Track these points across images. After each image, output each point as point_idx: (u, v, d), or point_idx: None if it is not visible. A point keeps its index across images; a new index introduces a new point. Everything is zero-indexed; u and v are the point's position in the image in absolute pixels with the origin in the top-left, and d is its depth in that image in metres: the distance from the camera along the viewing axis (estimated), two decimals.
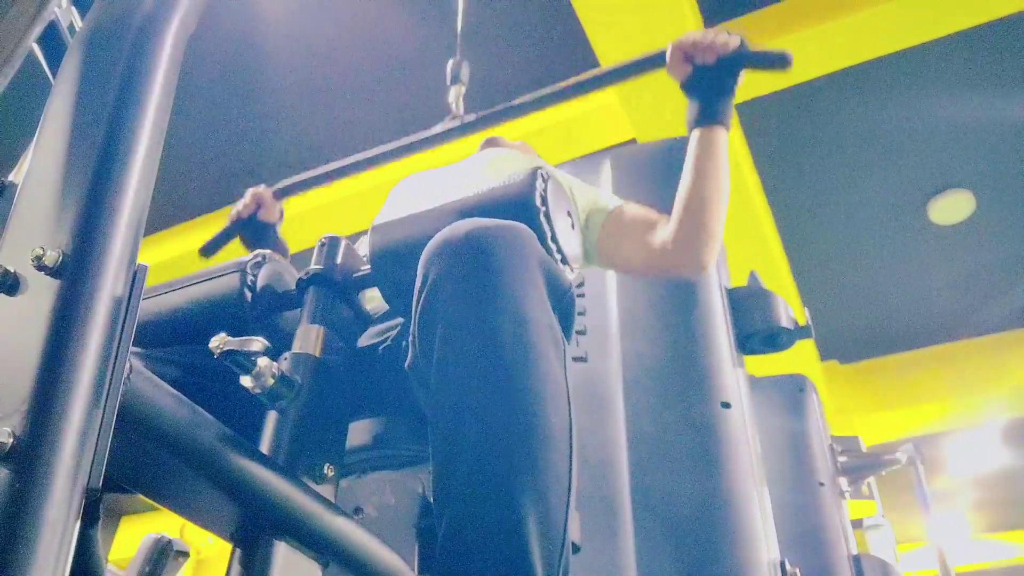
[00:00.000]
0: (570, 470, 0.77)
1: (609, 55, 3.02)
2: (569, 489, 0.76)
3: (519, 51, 3.36)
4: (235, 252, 1.37)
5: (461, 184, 1.28)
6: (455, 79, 1.89)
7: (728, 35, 1.36)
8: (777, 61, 1.36)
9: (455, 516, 0.72)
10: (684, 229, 1.32)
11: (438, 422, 0.78)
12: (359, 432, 1.03)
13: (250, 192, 1.68)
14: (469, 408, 0.75)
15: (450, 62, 1.89)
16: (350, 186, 3.87)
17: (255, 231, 1.69)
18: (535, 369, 0.76)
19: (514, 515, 0.70)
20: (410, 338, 0.84)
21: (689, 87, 1.39)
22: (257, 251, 1.06)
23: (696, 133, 1.37)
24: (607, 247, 1.41)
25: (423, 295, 0.81)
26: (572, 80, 1.56)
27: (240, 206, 1.67)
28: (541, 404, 0.76)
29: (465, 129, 1.68)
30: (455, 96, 1.84)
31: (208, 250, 1.70)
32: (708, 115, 1.36)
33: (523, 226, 0.85)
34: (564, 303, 0.86)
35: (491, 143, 1.78)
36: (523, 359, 0.76)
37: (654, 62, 1.46)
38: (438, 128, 1.70)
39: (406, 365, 0.86)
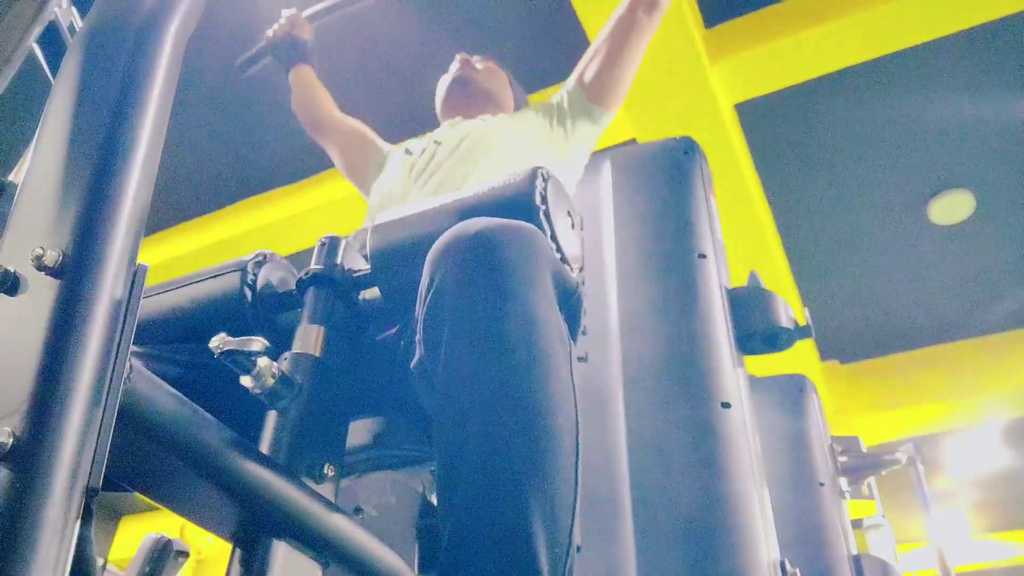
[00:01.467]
0: (576, 471, 0.76)
1: None
2: (575, 490, 0.75)
3: (519, 51, 3.36)
4: (235, 252, 1.37)
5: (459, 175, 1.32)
6: None
7: None
8: None
9: (460, 516, 0.72)
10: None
11: (444, 421, 0.78)
12: (359, 432, 1.03)
13: (286, 14, 1.93)
14: (476, 407, 0.75)
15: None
16: (350, 186, 3.86)
17: (289, 47, 1.95)
18: (544, 369, 0.76)
19: (521, 516, 0.70)
20: (417, 337, 0.84)
21: None
22: (257, 251, 1.06)
23: None
24: (598, 86, 1.62)
25: (431, 294, 0.81)
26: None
27: (275, 26, 1.92)
28: (549, 405, 0.75)
29: None
30: None
31: (244, 66, 1.91)
32: None
33: (531, 226, 0.85)
34: (571, 303, 0.86)
35: (462, 91, 1.77)
36: (532, 359, 0.76)
37: None
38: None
39: (412, 364, 0.86)
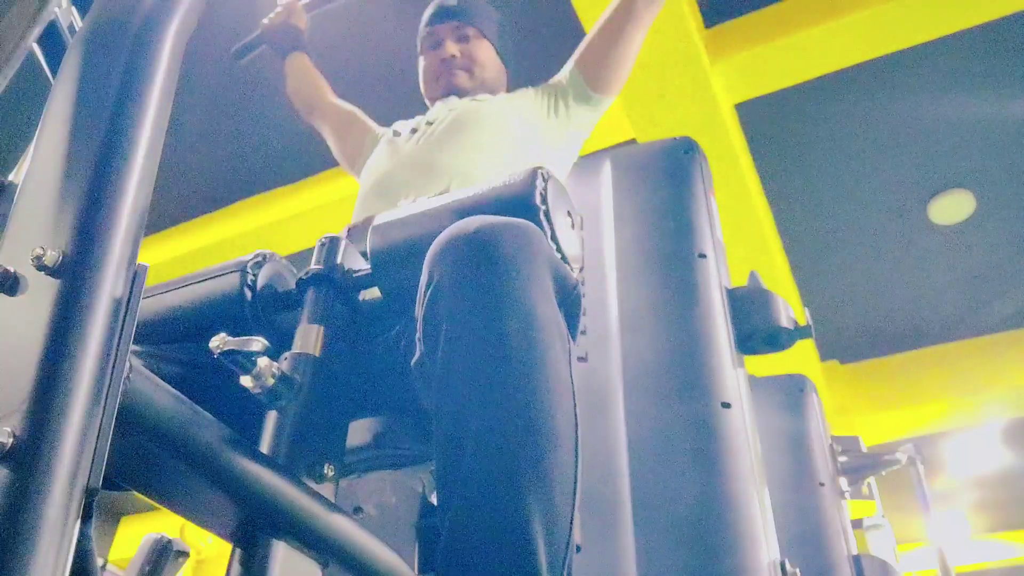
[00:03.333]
0: (576, 470, 0.76)
1: None
2: (575, 488, 0.75)
3: (519, 51, 3.35)
4: (235, 252, 1.37)
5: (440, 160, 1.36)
6: None
7: None
8: None
9: (459, 514, 0.72)
10: None
11: (443, 420, 0.78)
12: (359, 432, 1.02)
13: (282, 2, 1.93)
14: (475, 405, 0.75)
15: None
16: (350, 186, 3.87)
17: (285, 34, 1.96)
18: (542, 367, 0.76)
19: (520, 515, 0.70)
20: (416, 336, 0.84)
21: None
22: (257, 251, 1.06)
23: None
24: (595, 70, 1.61)
25: (430, 291, 0.81)
26: None
27: (271, 15, 1.93)
28: (548, 403, 0.75)
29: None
30: None
31: (239, 54, 1.92)
32: None
33: (530, 223, 0.85)
34: (570, 301, 0.86)
35: (448, 82, 1.72)
36: (531, 357, 0.76)
37: None
38: None
39: (412, 363, 0.86)
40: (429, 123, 1.58)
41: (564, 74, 1.66)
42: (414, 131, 1.59)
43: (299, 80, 2.01)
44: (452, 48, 1.73)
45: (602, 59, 1.62)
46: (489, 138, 1.49)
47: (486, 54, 1.76)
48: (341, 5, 1.95)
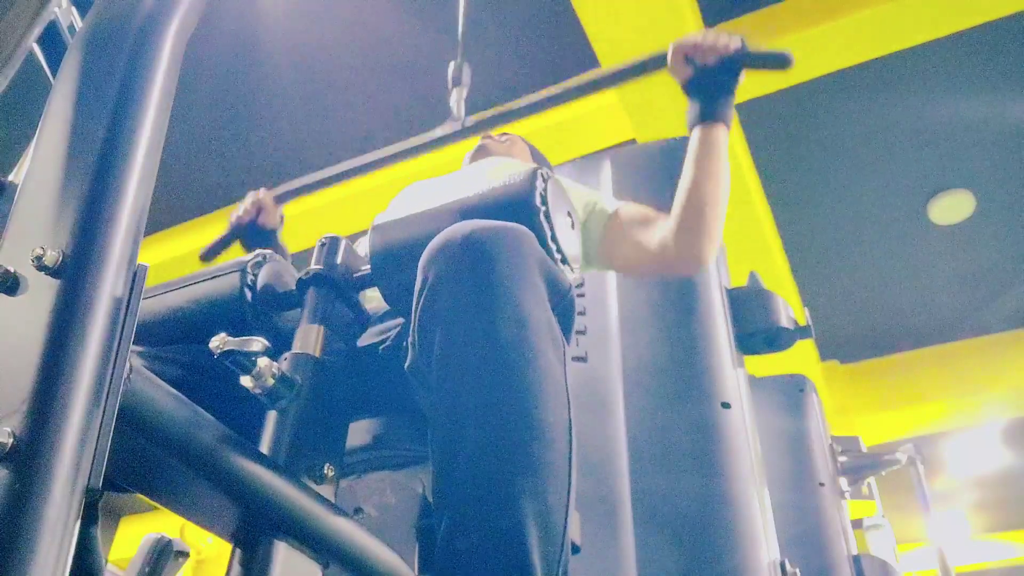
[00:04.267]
0: (570, 470, 0.76)
1: (609, 55, 3.02)
2: (569, 489, 0.76)
3: (519, 51, 3.36)
4: (235, 252, 1.37)
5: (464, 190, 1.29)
6: (456, 82, 1.88)
7: (728, 36, 1.36)
8: (778, 61, 1.37)
9: (455, 516, 0.72)
10: (684, 227, 1.33)
11: (438, 423, 0.78)
12: (359, 432, 1.03)
13: (250, 197, 1.67)
14: (468, 408, 0.75)
15: (451, 64, 1.88)
16: (350, 186, 3.87)
17: (255, 236, 1.68)
18: (534, 369, 0.76)
19: (514, 515, 0.70)
20: (410, 339, 0.84)
21: (690, 87, 1.40)
22: (257, 251, 1.06)
23: (697, 132, 1.37)
24: (608, 249, 1.42)
25: (423, 296, 0.81)
26: (572, 82, 1.57)
27: (240, 211, 1.67)
28: (540, 404, 0.76)
29: (466, 133, 1.67)
30: (456, 99, 1.83)
31: (208, 255, 1.70)
32: (709, 114, 1.37)
33: (523, 227, 0.85)
34: (564, 304, 0.86)
35: (481, 152, 1.77)
36: (522, 359, 0.76)
37: (655, 64, 1.46)
38: (439, 132, 1.70)
39: (406, 366, 0.86)
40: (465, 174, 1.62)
41: (593, 216, 1.45)
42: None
43: None
44: (485, 141, 1.78)
45: (614, 262, 1.44)
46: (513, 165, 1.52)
47: (521, 146, 1.81)
48: (316, 191, 1.83)
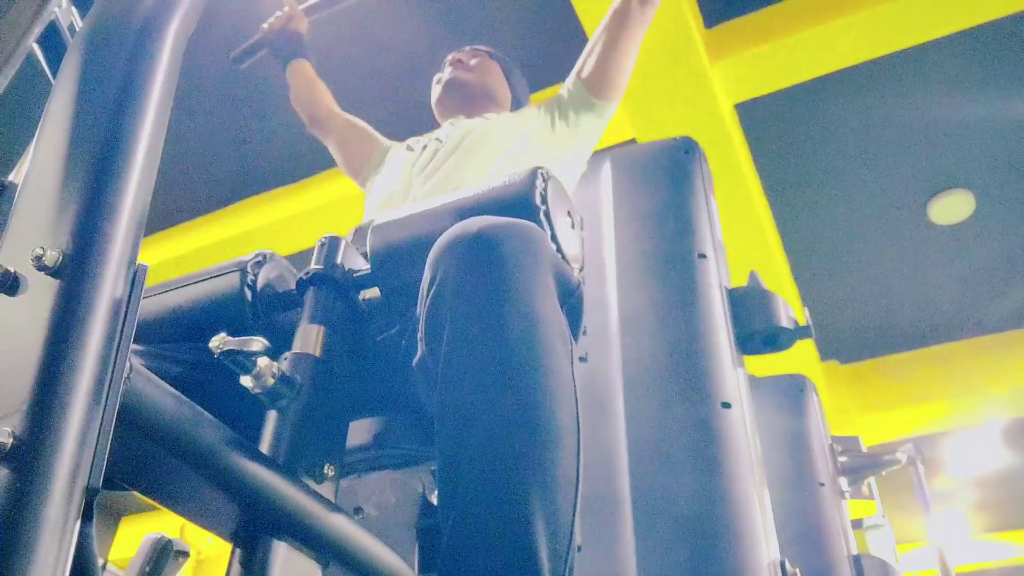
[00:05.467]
0: (578, 470, 0.76)
1: None
2: (577, 488, 0.75)
3: (518, 50, 3.36)
4: (235, 252, 1.37)
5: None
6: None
7: None
8: None
9: (461, 514, 0.72)
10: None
11: (445, 420, 0.78)
12: (359, 431, 1.03)
13: (283, 8, 1.89)
14: (477, 405, 0.75)
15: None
16: (350, 186, 3.87)
17: (286, 41, 1.93)
18: (545, 367, 0.76)
19: (522, 514, 0.70)
20: (418, 336, 0.84)
21: None
22: (257, 251, 1.06)
23: None
24: (597, 80, 1.63)
25: (432, 292, 0.81)
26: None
27: (272, 19, 1.88)
28: (550, 402, 0.75)
29: None
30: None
31: (239, 59, 1.88)
32: None
33: (533, 224, 0.85)
34: (572, 302, 0.86)
35: (454, 93, 1.75)
36: (533, 357, 0.76)
37: None
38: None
39: (413, 363, 0.86)
40: (439, 139, 1.59)
41: (566, 86, 1.69)
42: (425, 147, 1.60)
43: (302, 89, 2.01)
44: (462, 56, 1.77)
45: (602, 65, 1.64)
46: (496, 152, 1.51)
47: (494, 71, 1.80)
48: (343, 8, 1.91)
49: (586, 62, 1.67)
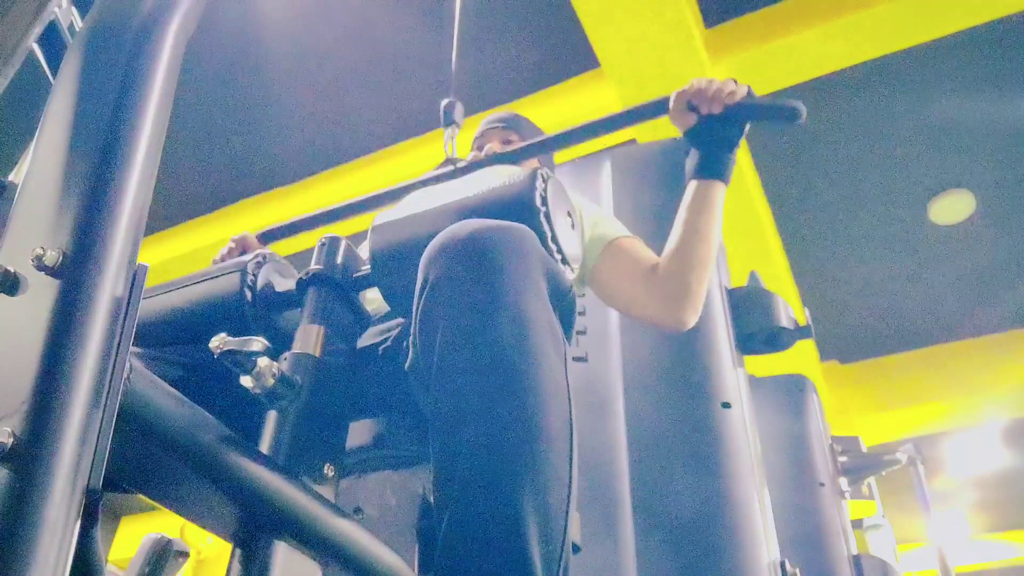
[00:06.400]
0: (571, 470, 0.76)
1: (609, 55, 3.02)
2: (570, 489, 0.76)
3: (519, 51, 3.36)
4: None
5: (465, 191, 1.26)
6: (448, 121, 1.82)
7: (735, 85, 1.33)
8: (787, 114, 1.29)
9: (455, 516, 0.72)
10: (669, 288, 1.31)
11: (438, 422, 0.78)
12: (359, 432, 1.03)
13: (234, 239, 1.61)
14: (469, 408, 0.75)
15: (443, 103, 1.83)
16: (351, 186, 3.88)
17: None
18: (535, 369, 0.76)
19: (514, 515, 0.70)
20: (410, 339, 0.84)
21: (692, 136, 1.36)
22: (257, 251, 1.06)
23: (694, 185, 1.35)
24: (599, 278, 1.41)
25: (423, 295, 0.81)
26: (568, 129, 1.53)
27: (224, 251, 1.59)
28: (541, 404, 0.75)
29: (458, 174, 1.61)
30: (448, 138, 1.79)
31: None
32: (708, 169, 1.34)
33: (524, 227, 0.85)
34: (565, 304, 0.86)
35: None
36: (523, 359, 0.76)
37: (656, 109, 1.43)
38: (432, 173, 1.63)
39: (406, 366, 0.86)
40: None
41: (597, 231, 1.45)
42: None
43: None
44: (495, 146, 1.72)
45: (601, 291, 1.44)
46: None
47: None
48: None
49: (606, 273, 1.43)
